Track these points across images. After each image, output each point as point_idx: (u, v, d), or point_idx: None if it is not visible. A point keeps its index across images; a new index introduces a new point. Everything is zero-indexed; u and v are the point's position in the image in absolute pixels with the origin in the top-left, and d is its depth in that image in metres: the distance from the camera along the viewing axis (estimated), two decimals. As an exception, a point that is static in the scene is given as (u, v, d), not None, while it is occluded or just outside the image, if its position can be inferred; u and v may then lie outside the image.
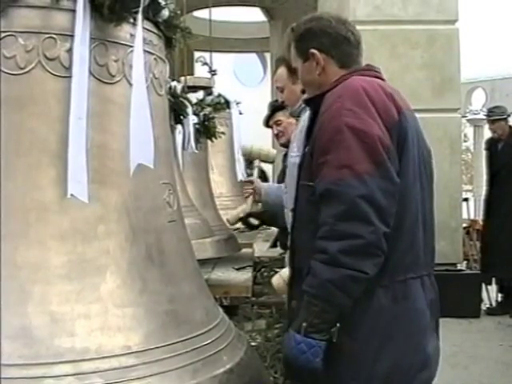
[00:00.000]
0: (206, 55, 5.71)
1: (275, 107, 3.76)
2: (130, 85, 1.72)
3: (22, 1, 1.58)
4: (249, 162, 6.24)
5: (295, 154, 2.76)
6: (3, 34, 1.57)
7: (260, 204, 3.38)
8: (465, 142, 17.16)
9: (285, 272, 2.20)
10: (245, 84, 18.87)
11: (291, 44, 2.11)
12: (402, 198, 1.83)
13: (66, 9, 1.60)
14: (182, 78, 4.68)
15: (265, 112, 3.98)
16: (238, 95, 5.93)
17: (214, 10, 7.10)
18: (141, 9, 1.68)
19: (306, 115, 2.69)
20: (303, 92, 2.22)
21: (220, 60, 8.00)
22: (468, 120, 16.79)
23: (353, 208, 1.73)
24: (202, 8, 7.86)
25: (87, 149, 1.58)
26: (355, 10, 6.11)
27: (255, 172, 3.95)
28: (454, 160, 6.26)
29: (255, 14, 10.48)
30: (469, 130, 18.09)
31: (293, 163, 2.73)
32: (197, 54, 6.39)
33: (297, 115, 2.96)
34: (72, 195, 1.54)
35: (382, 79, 2.02)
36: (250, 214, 3.41)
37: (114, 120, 1.69)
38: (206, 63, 5.53)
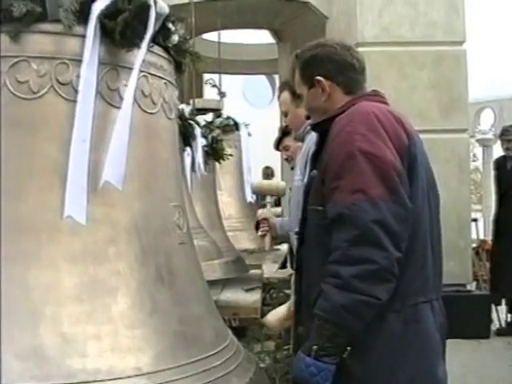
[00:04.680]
0: (215, 77, 5.77)
1: (283, 132, 3.80)
2: (141, 109, 1.75)
3: (35, 27, 1.61)
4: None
5: (298, 178, 2.79)
6: (17, 59, 1.60)
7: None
8: (474, 161, 17.09)
9: (277, 310, 2.19)
10: (254, 105, 18.97)
11: (296, 71, 2.12)
12: (413, 222, 1.82)
13: (78, 35, 1.63)
14: (191, 101, 4.73)
15: (274, 133, 4.01)
16: (247, 117, 5.97)
17: (222, 32, 7.17)
18: (147, 35, 1.69)
19: (309, 138, 2.72)
20: (308, 118, 2.23)
21: (229, 82, 8.06)
22: (477, 140, 16.77)
23: (366, 233, 1.72)
24: (210, 30, 7.92)
25: (89, 171, 1.59)
26: (363, 31, 6.14)
27: (268, 206, 3.96)
28: (462, 180, 6.25)
29: (263, 36, 10.54)
30: (478, 150, 18.04)
31: (296, 186, 2.76)
32: (206, 77, 6.44)
33: (301, 139, 2.99)
34: (69, 217, 1.55)
35: (387, 104, 2.03)
36: None
37: (124, 144, 1.70)
38: (215, 85, 5.59)
